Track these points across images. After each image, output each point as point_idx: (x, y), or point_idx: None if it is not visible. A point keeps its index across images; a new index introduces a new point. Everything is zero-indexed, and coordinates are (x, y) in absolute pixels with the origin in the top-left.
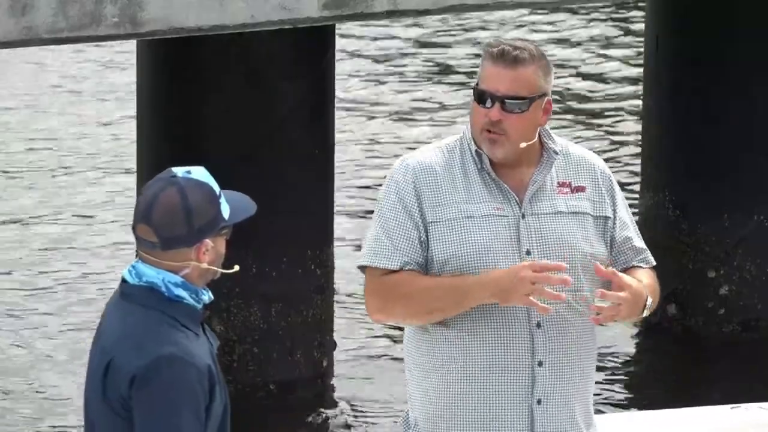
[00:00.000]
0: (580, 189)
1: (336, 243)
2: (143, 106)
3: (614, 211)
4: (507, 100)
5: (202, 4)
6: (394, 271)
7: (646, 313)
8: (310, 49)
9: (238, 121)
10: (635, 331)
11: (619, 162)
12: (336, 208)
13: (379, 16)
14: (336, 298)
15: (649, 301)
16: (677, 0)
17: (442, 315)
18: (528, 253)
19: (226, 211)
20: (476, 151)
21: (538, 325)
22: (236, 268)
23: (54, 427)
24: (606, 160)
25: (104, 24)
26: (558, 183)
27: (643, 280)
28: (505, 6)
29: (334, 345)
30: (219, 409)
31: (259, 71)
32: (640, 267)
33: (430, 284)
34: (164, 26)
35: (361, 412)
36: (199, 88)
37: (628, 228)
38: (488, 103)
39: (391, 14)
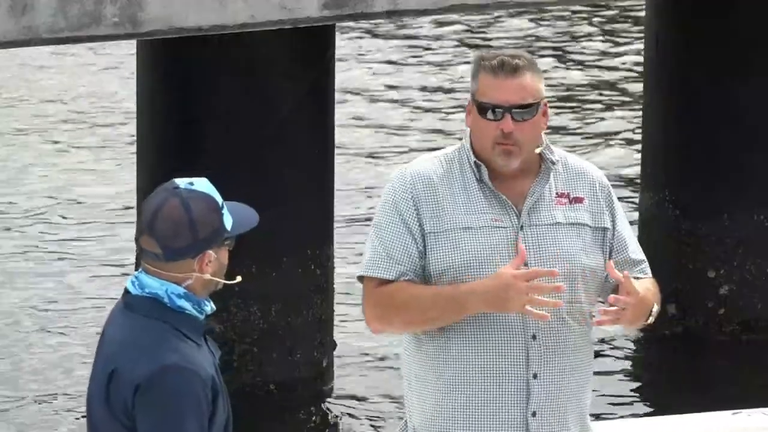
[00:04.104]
0: (578, 200)
1: (336, 243)
2: (143, 106)
3: (613, 222)
4: (515, 110)
5: (202, 4)
6: (390, 281)
7: (651, 320)
8: (310, 49)
9: (238, 121)
10: (635, 331)
11: (619, 162)
12: (336, 209)
13: (379, 16)
14: (336, 298)
15: (655, 308)
16: (677, 0)
17: (439, 323)
18: (526, 264)
19: (228, 222)
20: (475, 162)
21: (534, 337)
22: (239, 278)
23: None
24: (605, 160)
25: (104, 24)
26: (556, 194)
27: (650, 288)
28: (506, 6)
29: (334, 345)
30: (222, 418)
31: (259, 71)
32: (639, 278)
33: (424, 293)
34: (164, 26)
35: (361, 412)
36: (199, 89)
37: (627, 240)
38: (497, 116)
39: (392, 14)
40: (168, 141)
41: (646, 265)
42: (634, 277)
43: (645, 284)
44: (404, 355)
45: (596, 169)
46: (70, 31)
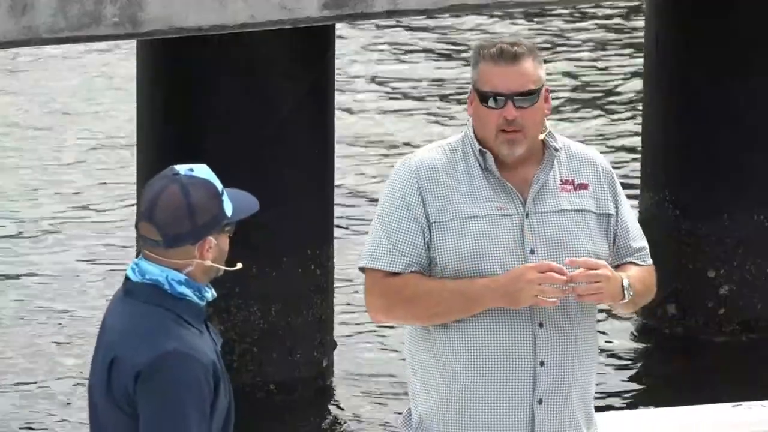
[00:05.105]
0: (582, 186)
1: (336, 243)
2: (143, 106)
3: (617, 208)
4: (517, 97)
5: (202, 4)
6: (396, 273)
7: (627, 298)
8: (310, 49)
9: (238, 121)
10: (636, 330)
11: (619, 162)
12: (336, 208)
13: (379, 16)
14: (336, 298)
15: (626, 282)
16: (677, 0)
17: (447, 318)
18: (532, 252)
19: (228, 208)
20: (480, 150)
21: (540, 325)
22: (239, 265)
23: (54, 422)
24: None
25: (104, 24)
26: (561, 181)
27: (628, 271)
28: (506, 5)
29: (334, 345)
30: (223, 404)
31: (259, 71)
32: (633, 263)
33: (435, 288)
34: (164, 26)
35: (361, 412)
36: (199, 89)
37: (629, 226)
38: (499, 104)
39: (392, 14)
40: (168, 141)
41: (645, 252)
42: (630, 263)
43: (626, 267)
44: (409, 343)
45: (599, 155)
46: (70, 31)
